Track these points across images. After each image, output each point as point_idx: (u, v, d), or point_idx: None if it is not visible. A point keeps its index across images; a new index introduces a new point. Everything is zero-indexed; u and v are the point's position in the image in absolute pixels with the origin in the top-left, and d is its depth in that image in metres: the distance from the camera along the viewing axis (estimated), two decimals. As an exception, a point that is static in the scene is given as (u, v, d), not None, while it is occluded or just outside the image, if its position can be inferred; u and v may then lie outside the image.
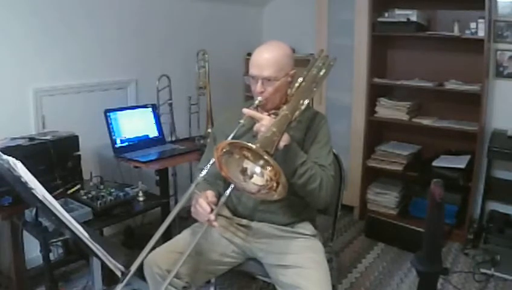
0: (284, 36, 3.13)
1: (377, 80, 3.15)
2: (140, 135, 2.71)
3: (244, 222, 1.69)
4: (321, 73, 1.68)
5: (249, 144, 1.25)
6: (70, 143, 2.27)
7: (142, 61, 3.01)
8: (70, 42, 2.57)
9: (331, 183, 1.58)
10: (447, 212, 2.48)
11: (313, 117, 1.67)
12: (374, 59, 3.09)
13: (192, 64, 3.01)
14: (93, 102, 2.67)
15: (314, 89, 1.64)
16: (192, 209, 1.51)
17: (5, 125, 2.27)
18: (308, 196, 1.55)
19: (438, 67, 3.08)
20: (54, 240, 1.92)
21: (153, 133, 2.79)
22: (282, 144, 1.39)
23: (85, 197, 2.10)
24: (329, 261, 1.65)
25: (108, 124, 2.55)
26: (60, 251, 2.52)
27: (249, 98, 1.66)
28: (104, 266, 1.59)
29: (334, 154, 1.80)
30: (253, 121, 1.46)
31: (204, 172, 1.51)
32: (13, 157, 1.40)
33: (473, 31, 2.76)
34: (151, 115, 2.80)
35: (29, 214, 1.88)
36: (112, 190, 2.18)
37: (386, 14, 3.03)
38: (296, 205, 1.65)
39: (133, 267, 1.42)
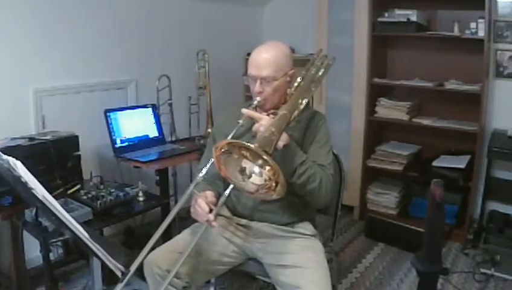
0: (284, 36, 3.14)
1: (377, 80, 3.14)
2: (140, 135, 2.71)
3: (244, 221, 1.69)
4: (320, 73, 1.68)
5: (248, 144, 1.25)
6: (70, 143, 2.27)
7: (142, 61, 3.01)
8: (70, 42, 2.57)
9: (331, 182, 1.58)
10: (447, 212, 2.48)
11: (312, 117, 1.67)
12: (374, 59, 3.08)
13: (192, 64, 3.01)
14: (93, 102, 2.67)
15: (313, 88, 1.64)
16: (192, 209, 1.51)
17: (5, 125, 2.27)
18: (307, 195, 1.55)
19: (438, 67, 3.08)
20: (54, 240, 1.92)
21: (153, 133, 2.79)
22: (281, 143, 1.39)
23: (85, 197, 2.10)
24: (329, 261, 1.65)
25: (108, 124, 2.55)
26: (60, 251, 2.52)
27: (248, 98, 1.66)
28: (104, 266, 1.59)
29: (334, 154, 1.80)
30: (253, 121, 1.46)
31: (203, 172, 1.51)
32: (13, 157, 1.39)
33: (473, 31, 2.76)
34: (151, 115, 2.80)
35: (29, 214, 1.88)
36: (112, 190, 2.18)
37: (386, 14, 3.03)
38: (295, 204, 1.65)
39: (133, 267, 1.42)
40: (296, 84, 1.63)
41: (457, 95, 2.88)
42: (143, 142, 2.69)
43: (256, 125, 1.43)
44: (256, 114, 1.46)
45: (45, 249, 1.77)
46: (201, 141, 2.78)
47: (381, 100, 3.17)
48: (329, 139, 1.66)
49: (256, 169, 1.31)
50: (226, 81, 3.50)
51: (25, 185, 1.37)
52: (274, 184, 1.28)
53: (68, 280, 2.45)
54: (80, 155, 2.31)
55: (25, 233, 1.99)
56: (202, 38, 3.27)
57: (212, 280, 1.87)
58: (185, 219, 2.66)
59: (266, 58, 1.55)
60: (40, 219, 1.81)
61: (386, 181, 3.32)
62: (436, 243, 1.72)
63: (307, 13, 3.52)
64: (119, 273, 1.40)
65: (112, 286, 2.19)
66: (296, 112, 1.49)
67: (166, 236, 1.67)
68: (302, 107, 1.53)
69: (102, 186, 2.23)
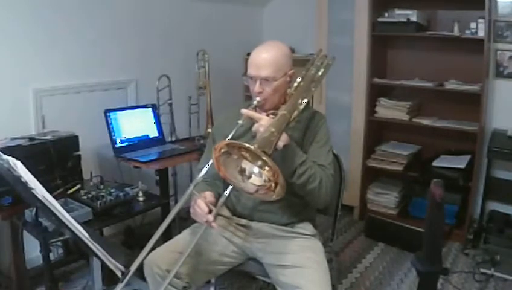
0: (284, 36, 3.14)
1: (377, 80, 3.14)
2: (140, 135, 2.71)
3: (244, 221, 1.69)
4: (320, 72, 1.68)
5: (247, 145, 1.25)
6: (70, 143, 2.27)
7: (142, 61, 3.01)
8: (70, 42, 2.57)
9: (331, 182, 1.57)
10: (447, 212, 2.48)
11: (312, 117, 1.66)
12: (373, 59, 3.08)
13: (192, 64, 3.01)
14: (93, 102, 2.67)
15: (313, 88, 1.64)
16: (191, 210, 1.52)
17: (5, 125, 2.27)
18: (307, 195, 1.55)
19: (438, 67, 3.08)
20: (54, 240, 1.93)
21: (153, 133, 2.79)
22: (281, 144, 1.39)
23: (85, 197, 2.10)
24: (329, 261, 1.65)
25: (108, 124, 2.55)
26: (60, 251, 2.52)
27: (248, 98, 1.66)
28: (104, 266, 1.59)
29: (334, 154, 1.80)
30: (252, 121, 1.46)
31: (202, 172, 1.51)
32: (13, 157, 1.39)
33: (473, 31, 2.75)
34: (151, 115, 2.80)
35: (29, 214, 1.88)
36: (112, 190, 2.18)
37: (386, 14, 3.03)
38: (295, 205, 1.65)
39: (133, 267, 1.42)
40: (295, 84, 1.62)
41: (457, 95, 2.88)
42: (143, 142, 2.69)
43: (256, 126, 1.43)
44: (255, 114, 1.46)
45: (45, 249, 1.77)
46: (201, 141, 2.78)
47: (381, 100, 3.17)
48: (329, 139, 1.65)
49: (256, 170, 1.31)
50: (226, 81, 3.50)
51: (25, 185, 1.37)
52: (273, 185, 1.28)
53: (68, 280, 2.45)
54: (79, 155, 2.31)
55: (25, 233, 1.98)
56: (202, 38, 3.27)
57: (212, 280, 1.87)
58: (185, 219, 2.66)
59: (266, 58, 1.55)
60: (40, 219, 1.81)
61: (386, 181, 3.32)
62: (436, 243, 1.72)
63: (307, 13, 3.52)
64: (119, 273, 1.40)
65: (112, 286, 2.19)
66: (295, 112, 1.48)
67: (166, 236, 1.67)
68: (302, 107, 1.53)
69: (102, 186, 2.23)
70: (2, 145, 2.01)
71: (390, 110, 3.13)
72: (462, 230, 2.91)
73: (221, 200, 1.49)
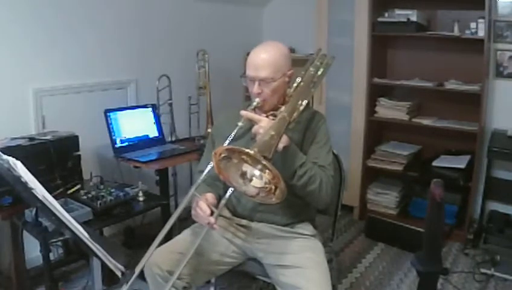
0: (284, 36, 3.14)
1: (377, 80, 3.14)
2: (140, 135, 2.71)
3: (244, 222, 1.69)
4: (319, 72, 1.67)
5: (247, 150, 1.24)
6: (70, 143, 2.27)
7: (142, 61, 3.01)
8: (70, 42, 2.57)
9: (331, 183, 1.57)
10: (447, 212, 2.48)
11: (312, 117, 1.66)
12: (374, 59, 3.08)
13: (192, 64, 3.01)
14: (93, 102, 2.67)
15: (313, 89, 1.63)
16: (193, 212, 1.51)
17: (5, 125, 2.27)
18: (308, 196, 1.55)
19: (438, 67, 3.08)
20: (54, 240, 1.92)
21: (153, 133, 2.79)
22: (281, 145, 1.39)
23: (85, 197, 2.10)
24: (329, 261, 1.65)
25: (108, 124, 2.55)
26: (60, 251, 2.52)
27: (248, 98, 1.66)
28: (104, 266, 1.59)
29: (334, 154, 1.80)
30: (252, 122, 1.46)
31: (203, 176, 1.51)
32: (13, 157, 1.39)
33: (473, 31, 2.75)
34: (151, 115, 2.80)
35: (29, 214, 1.88)
36: (112, 190, 2.18)
37: (386, 14, 3.03)
38: (295, 205, 1.65)
39: (137, 269, 1.44)
40: (295, 84, 1.62)
41: (457, 95, 2.88)
42: (143, 142, 2.69)
43: (255, 127, 1.42)
44: (255, 116, 1.45)
45: (45, 249, 1.77)
46: (201, 141, 2.78)
47: (381, 100, 3.17)
48: (329, 139, 1.65)
49: (257, 172, 1.30)
50: (226, 81, 3.49)
51: (25, 185, 1.37)
52: (273, 187, 1.27)
53: (68, 280, 2.45)
54: (80, 155, 2.31)
55: (25, 233, 1.99)
56: (202, 38, 3.27)
57: (212, 280, 1.87)
58: (185, 219, 2.66)
59: (264, 59, 1.54)
60: (40, 219, 1.81)
61: (386, 181, 3.32)
62: (436, 243, 1.73)
63: (307, 13, 3.51)
64: (119, 273, 1.40)
65: (112, 286, 2.20)
66: (295, 114, 1.47)
67: (167, 236, 1.66)
68: (301, 108, 1.52)
69: (102, 186, 2.23)
70: (2, 145, 2.01)
71: (390, 110, 3.13)
72: (462, 230, 2.91)
73: (223, 202, 1.48)
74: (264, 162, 1.22)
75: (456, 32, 2.82)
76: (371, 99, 3.16)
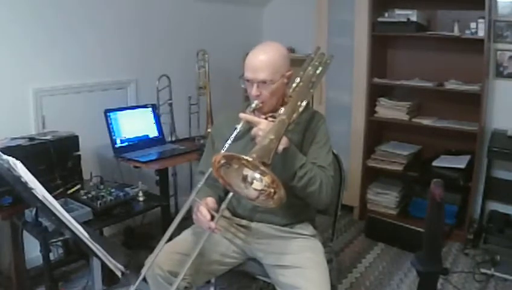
0: (284, 36, 3.14)
1: (377, 80, 3.14)
2: (140, 135, 2.71)
3: (244, 222, 1.69)
4: (318, 72, 1.66)
5: (245, 157, 1.22)
6: (70, 143, 2.27)
7: (142, 61, 3.00)
8: (70, 42, 2.57)
9: (331, 184, 1.57)
10: (447, 212, 2.48)
11: (311, 118, 1.65)
12: (374, 59, 3.08)
13: (192, 64, 3.01)
14: (93, 102, 2.67)
15: (312, 89, 1.63)
16: (194, 216, 1.52)
17: (5, 125, 2.27)
18: (308, 197, 1.54)
19: (438, 67, 3.08)
20: (54, 240, 1.92)
21: (153, 133, 2.79)
22: (280, 147, 1.38)
23: (85, 197, 2.10)
24: (329, 261, 1.65)
25: (108, 124, 2.55)
26: (60, 251, 2.52)
27: (248, 98, 1.66)
28: (104, 266, 1.59)
29: (334, 154, 1.80)
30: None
31: (203, 180, 1.51)
32: (13, 157, 1.39)
33: (473, 31, 2.75)
34: (151, 115, 2.80)
35: (29, 214, 1.88)
36: (112, 190, 2.18)
37: (386, 14, 3.03)
38: (295, 205, 1.64)
39: (143, 271, 1.45)
40: (294, 85, 1.60)
41: (457, 95, 2.88)
42: (143, 142, 2.69)
43: (254, 130, 1.41)
44: (254, 118, 1.45)
45: (45, 249, 1.77)
46: (201, 141, 2.78)
47: (381, 100, 3.17)
48: (328, 139, 1.65)
49: (257, 175, 1.29)
50: (226, 81, 3.49)
51: (25, 185, 1.37)
52: (272, 191, 1.26)
53: (68, 280, 2.45)
54: (80, 155, 2.31)
55: (25, 233, 1.99)
56: (202, 38, 3.27)
57: (212, 280, 1.87)
58: (185, 219, 2.66)
59: (262, 61, 1.53)
60: (40, 219, 1.81)
61: (386, 181, 3.32)
62: (436, 243, 1.73)
63: (307, 13, 3.51)
64: (119, 273, 1.40)
65: (112, 286, 2.20)
66: (295, 115, 1.46)
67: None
68: (301, 109, 1.51)
69: (102, 186, 2.23)
70: (2, 145, 2.01)
71: (390, 110, 3.13)
72: (462, 230, 2.91)
73: (223, 207, 1.47)
74: (263, 168, 1.21)
75: (456, 32, 2.82)
76: (371, 99, 3.16)
